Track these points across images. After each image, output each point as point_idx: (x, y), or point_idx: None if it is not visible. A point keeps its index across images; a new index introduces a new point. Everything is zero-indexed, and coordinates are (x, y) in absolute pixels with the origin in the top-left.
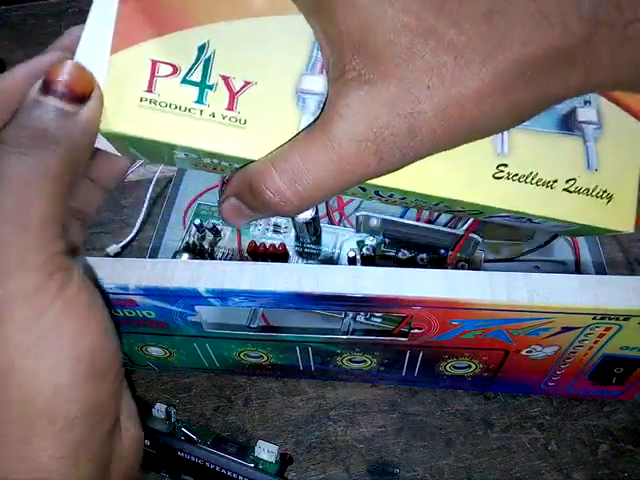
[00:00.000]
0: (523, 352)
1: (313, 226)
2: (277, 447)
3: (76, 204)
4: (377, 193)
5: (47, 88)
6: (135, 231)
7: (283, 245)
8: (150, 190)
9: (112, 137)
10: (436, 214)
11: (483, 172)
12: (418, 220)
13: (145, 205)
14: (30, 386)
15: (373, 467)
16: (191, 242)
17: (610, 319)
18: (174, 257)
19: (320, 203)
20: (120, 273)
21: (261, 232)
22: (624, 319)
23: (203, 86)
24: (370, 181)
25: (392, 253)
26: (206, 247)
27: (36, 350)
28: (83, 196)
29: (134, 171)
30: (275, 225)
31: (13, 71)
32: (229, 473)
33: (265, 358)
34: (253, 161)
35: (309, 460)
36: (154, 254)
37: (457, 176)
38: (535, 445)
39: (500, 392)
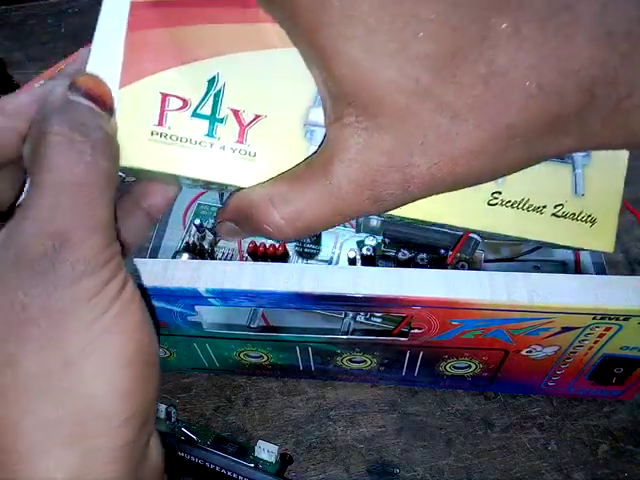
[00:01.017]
0: (523, 352)
1: None
2: (277, 447)
3: (126, 235)
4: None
5: (77, 91)
6: None
7: (283, 245)
8: None
9: (121, 169)
10: None
11: (478, 199)
12: None
13: None
14: (87, 385)
15: (373, 467)
16: (191, 242)
17: (610, 319)
18: (174, 257)
19: (315, 234)
20: None
21: None
22: (624, 319)
23: (213, 119)
24: None
25: (392, 253)
26: (206, 247)
27: (94, 350)
28: (133, 225)
29: None
30: None
31: (18, 93)
32: (229, 473)
33: (265, 358)
34: None
35: (309, 460)
36: (154, 254)
37: (453, 204)
38: (535, 445)
39: (500, 392)
